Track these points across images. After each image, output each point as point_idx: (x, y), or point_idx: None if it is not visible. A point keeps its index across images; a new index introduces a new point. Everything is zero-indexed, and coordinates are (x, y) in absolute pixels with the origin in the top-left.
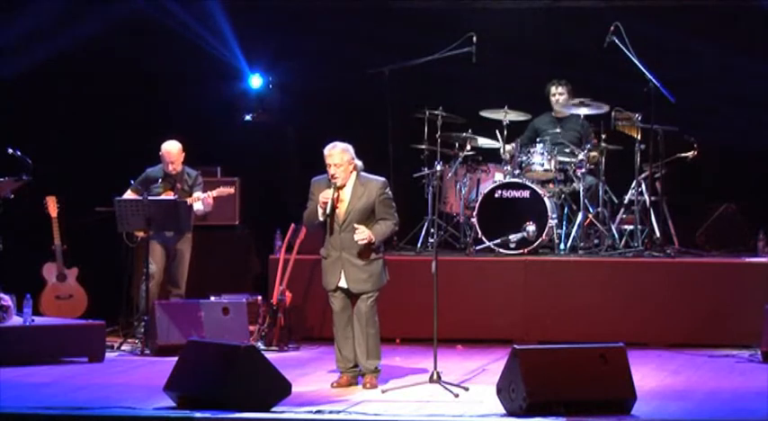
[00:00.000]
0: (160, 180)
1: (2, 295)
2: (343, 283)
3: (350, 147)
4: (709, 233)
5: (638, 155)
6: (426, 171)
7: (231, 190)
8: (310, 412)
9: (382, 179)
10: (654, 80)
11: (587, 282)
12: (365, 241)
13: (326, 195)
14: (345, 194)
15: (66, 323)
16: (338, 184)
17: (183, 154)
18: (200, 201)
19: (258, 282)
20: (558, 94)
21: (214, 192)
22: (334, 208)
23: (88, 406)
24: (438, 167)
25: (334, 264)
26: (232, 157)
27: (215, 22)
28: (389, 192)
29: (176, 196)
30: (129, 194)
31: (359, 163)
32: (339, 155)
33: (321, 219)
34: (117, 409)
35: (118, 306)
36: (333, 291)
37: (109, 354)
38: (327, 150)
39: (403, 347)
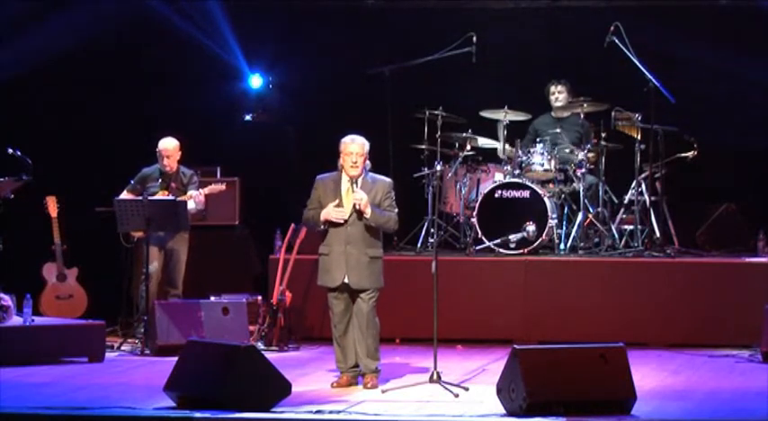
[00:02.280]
0: (159, 180)
1: (2, 295)
2: (347, 279)
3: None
4: (709, 233)
5: (638, 155)
6: (426, 171)
7: (222, 187)
8: (310, 412)
9: (389, 180)
10: (654, 80)
11: (587, 282)
12: (361, 201)
13: (341, 214)
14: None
15: (66, 323)
16: (355, 173)
17: (180, 152)
18: (192, 200)
19: (258, 282)
20: (557, 92)
21: (206, 190)
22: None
23: (88, 406)
24: (438, 167)
25: (338, 259)
26: (232, 157)
27: (215, 22)
28: (393, 194)
29: (171, 195)
30: (125, 195)
31: (368, 162)
32: (361, 146)
33: (322, 228)
34: (117, 409)
35: (118, 306)
36: (335, 291)
37: (109, 354)
38: (349, 139)
39: (403, 347)
